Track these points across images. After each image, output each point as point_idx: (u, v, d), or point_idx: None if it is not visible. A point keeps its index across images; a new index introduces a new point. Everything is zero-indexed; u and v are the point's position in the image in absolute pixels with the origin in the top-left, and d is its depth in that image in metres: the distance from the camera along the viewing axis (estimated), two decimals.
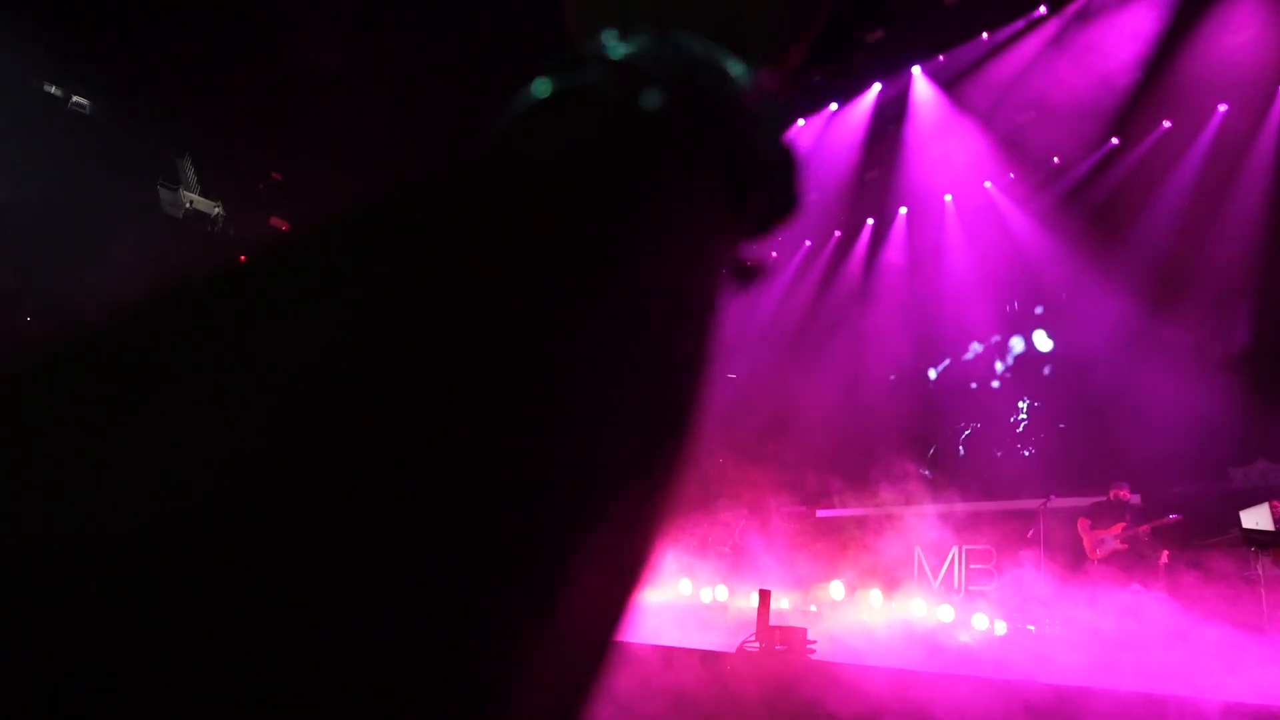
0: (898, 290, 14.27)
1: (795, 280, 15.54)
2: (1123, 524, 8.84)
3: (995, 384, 13.25)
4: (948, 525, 10.35)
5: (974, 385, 13.50)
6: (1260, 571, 7.45)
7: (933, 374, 13.96)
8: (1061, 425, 12.03)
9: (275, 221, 17.38)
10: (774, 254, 16.08)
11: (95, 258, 15.39)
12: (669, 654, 4.93)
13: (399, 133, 14.68)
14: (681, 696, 4.42)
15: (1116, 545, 8.79)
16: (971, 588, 10.41)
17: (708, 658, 4.80)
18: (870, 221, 14.98)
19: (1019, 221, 13.06)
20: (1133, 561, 8.61)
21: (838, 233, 15.37)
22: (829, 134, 14.23)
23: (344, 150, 15.35)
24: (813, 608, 9.51)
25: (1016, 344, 13.19)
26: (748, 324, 15.55)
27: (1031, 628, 8.60)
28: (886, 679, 3.94)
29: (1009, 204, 13.33)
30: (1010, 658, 6.16)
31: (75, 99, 17.58)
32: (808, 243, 15.67)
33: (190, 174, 19.11)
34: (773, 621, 5.87)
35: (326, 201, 16.72)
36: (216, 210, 18.76)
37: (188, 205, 18.98)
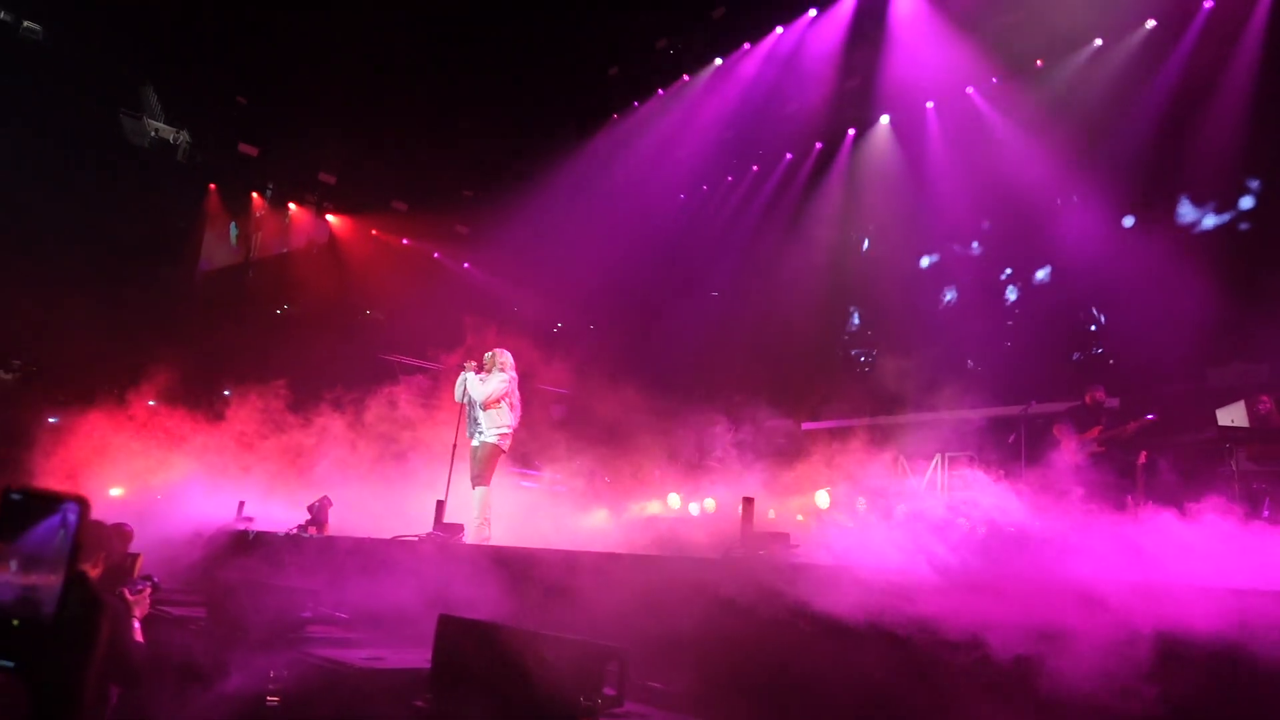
0: (880, 200, 14.14)
1: (777, 193, 15.37)
2: (1099, 426, 8.96)
3: (976, 291, 13.25)
4: (930, 434, 10.49)
5: (955, 293, 13.51)
6: (1235, 467, 7.61)
7: (913, 283, 13.94)
8: (1039, 331, 12.10)
9: (244, 148, 16.91)
10: (754, 167, 15.86)
11: (61, 191, 14.97)
12: (658, 563, 5.01)
13: (373, 50, 14.20)
14: (670, 603, 4.49)
15: (1094, 448, 8.92)
16: (954, 495, 10.59)
17: (695, 565, 4.88)
18: (851, 132, 14.74)
19: (1002, 128, 12.89)
20: (1111, 463, 8.74)
21: (819, 144, 15.15)
22: (807, 41, 13.88)
23: (311, 73, 14.86)
24: (799, 517, 9.68)
25: (997, 250, 13.16)
26: (729, 240, 15.45)
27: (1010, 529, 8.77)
28: (870, 578, 4.01)
29: (991, 110, 13.13)
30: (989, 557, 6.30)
31: (26, 24, 16.86)
32: (789, 155, 15.44)
33: (153, 101, 18.50)
34: (758, 529, 5.96)
35: (290, 125, 16.23)
36: (182, 138, 18.22)
37: (152, 134, 18.42)
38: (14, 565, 1.11)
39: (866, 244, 14.40)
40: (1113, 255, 11.25)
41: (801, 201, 14.96)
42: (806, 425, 12.84)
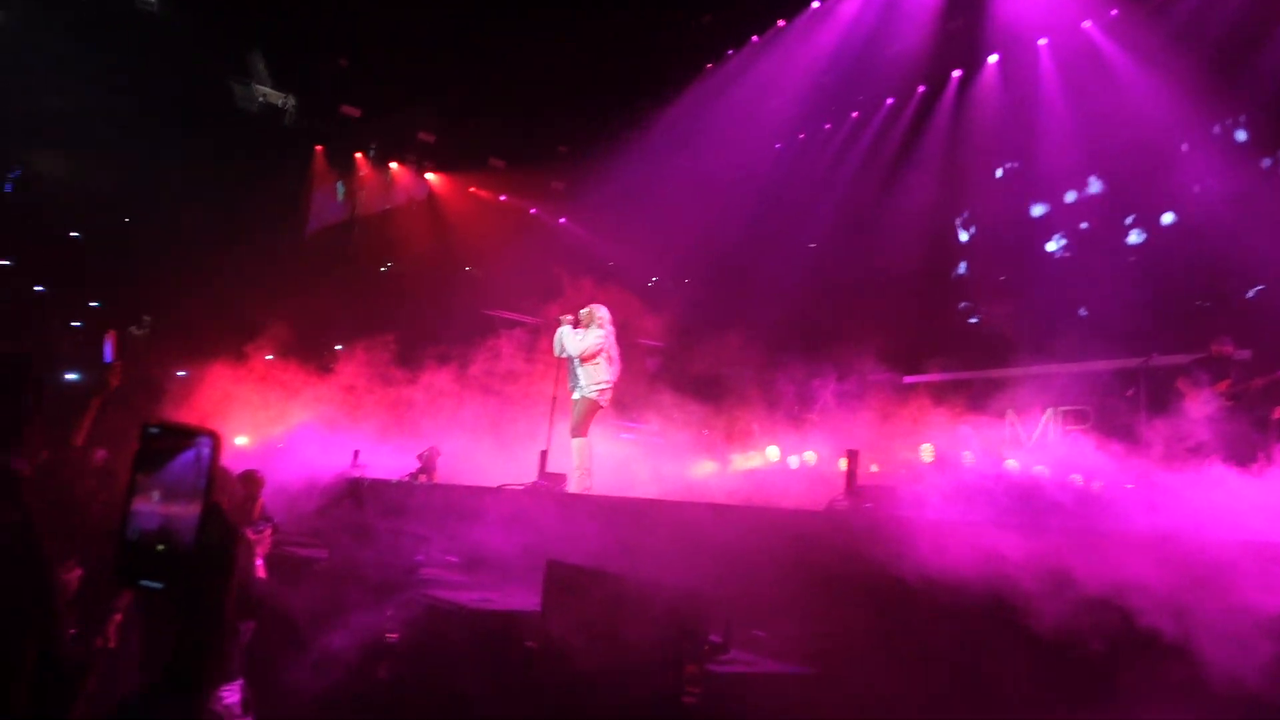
0: (988, 145, 13.52)
1: (877, 139, 14.86)
2: (1227, 380, 8.45)
3: (1093, 238, 12.58)
4: (1042, 387, 10.10)
5: (1068, 241, 12.87)
6: None
7: (1024, 231, 13.33)
8: (1162, 278, 11.44)
9: (346, 110, 17.34)
10: (854, 114, 15.37)
11: (179, 158, 15.67)
12: (758, 514, 5.01)
13: (469, 8, 14.29)
14: (774, 554, 4.49)
15: (1222, 402, 8.41)
16: (1066, 448, 10.21)
17: (796, 516, 4.85)
18: (957, 73, 14.10)
19: (1122, 64, 12.08)
20: (1240, 418, 8.24)
21: (921, 88, 14.55)
22: None
23: (409, 33, 15.06)
24: (902, 471, 9.50)
25: (1117, 195, 12.43)
26: (828, 190, 15.07)
27: (1130, 486, 8.41)
28: (976, 534, 3.91)
29: (1110, 45, 12.32)
30: (1109, 512, 6.06)
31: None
32: (890, 100, 14.88)
33: (261, 67, 19.10)
34: (863, 482, 5.89)
35: (391, 85, 16.53)
36: (288, 102, 18.79)
37: (260, 99, 19.04)
38: (156, 495, 1.18)
39: (973, 192, 13.83)
40: (1246, 198, 10.49)
41: (903, 148, 14.45)
42: (909, 378, 12.55)
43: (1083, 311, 11.81)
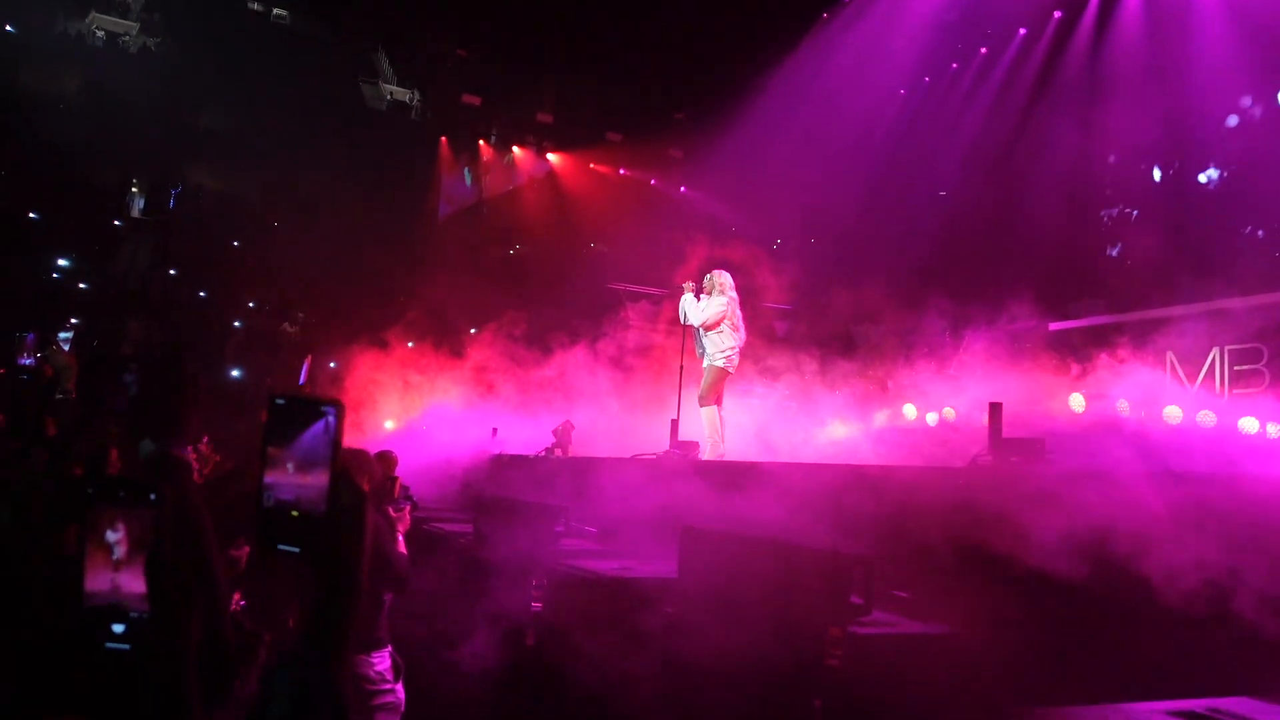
0: (1135, 71, 12.47)
1: (1010, 75, 13.98)
2: None
3: (1257, 159, 11.42)
4: (1206, 325, 9.32)
5: (1229, 167, 11.75)
6: None
7: (1177, 159, 12.27)
8: None
9: (467, 99, 17.82)
10: (983, 49, 14.55)
11: (317, 158, 16.54)
12: (896, 472, 4.86)
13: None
14: (911, 513, 4.36)
15: None
16: (1237, 391, 9.40)
17: (938, 474, 4.69)
18: None
19: None
20: None
21: (1057, 14, 13.56)
22: None
23: (521, 18, 15.27)
24: (1049, 424, 8.99)
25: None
26: (957, 134, 14.34)
27: None
28: (1137, 486, 3.66)
29: None
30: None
31: (276, 12, 18.58)
32: (1022, 31, 13.95)
33: (386, 66, 19.88)
34: (1007, 437, 5.61)
35: (507, 71, 16.82)
36: (414, 97, 19.48)
37: (388, 97, 19.84)
38: (291, 467, 1.23)
39: (1119, 124, 12.81)
40: None
41: (1039, 82, 13.53)
42: (1055, 325, 11.84)
43: (1259, 233, 10.71)
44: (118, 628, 1.30)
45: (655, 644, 4.44)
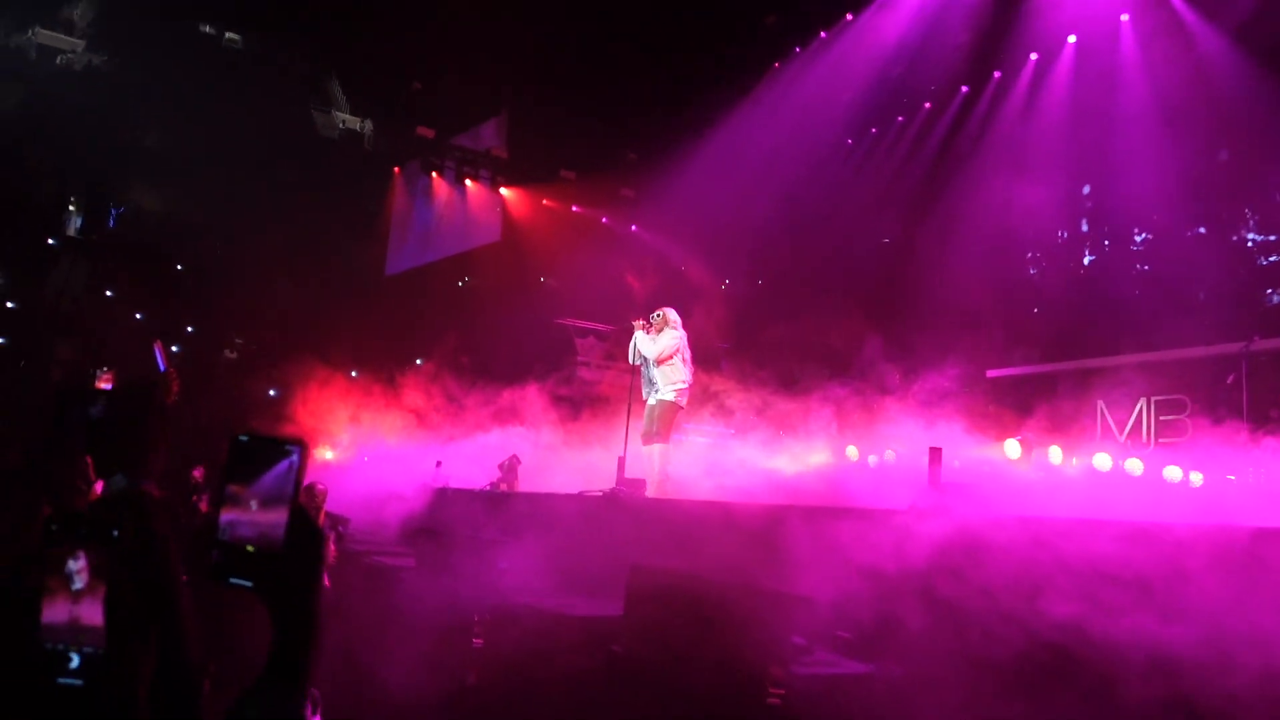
0: (1070, 130, 13.02)
1: (951, 130, 14.48)
2: None
3: (1186, 222, 11.98)
4: (1134, 376, 9.71)
5: (1152, 230, 12.26)
6: None
7: (1107, 219, 12.82)
8: (1267, 260, 10.86)
9: (421, 131, 17.81)
10: (927, 104, 15.06)
11: (266, 184, 16.33)
12: (839, 514, 4.95)
13: (532, 25, 14.53)
14: (850, 555, 4.43)
15: None
16: (1162, 440, 9.79)
17: (876, 516, 4.78)
18: (1034, 57, 13.66)
19: (1210, 41, 11.47)
20: None
21: (997, 74, 14.15)
22: None
23: (477, 53, 15.39)
24: (985, 469, 9.25)
25: (1215, 181, 11.73)
26: (900, 184, 14.77)
27: (1232, 478, 8.02)
28: (1068, 530, 3.80)
29: (1196, 20, 11.73)
30: (1208, 507, 5.80)
31: (228, 35, 18.42)
32: (964, 89, 14.52)
33: (339, 94, 19.80)
34: (945, 481, 5.76)
35: (465, 107, 16.88)
36: (366, 126, 19.41)
37: (340, 125, 19.74)
38: (247, 501, 1.24)
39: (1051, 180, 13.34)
40: None
41: (979, 136, 14.05)
42: (992, 372, 12.21)
43: (1201, 296, 11.12)
44: (74, 662, 1.29)
45: (599, 681, 4.42)
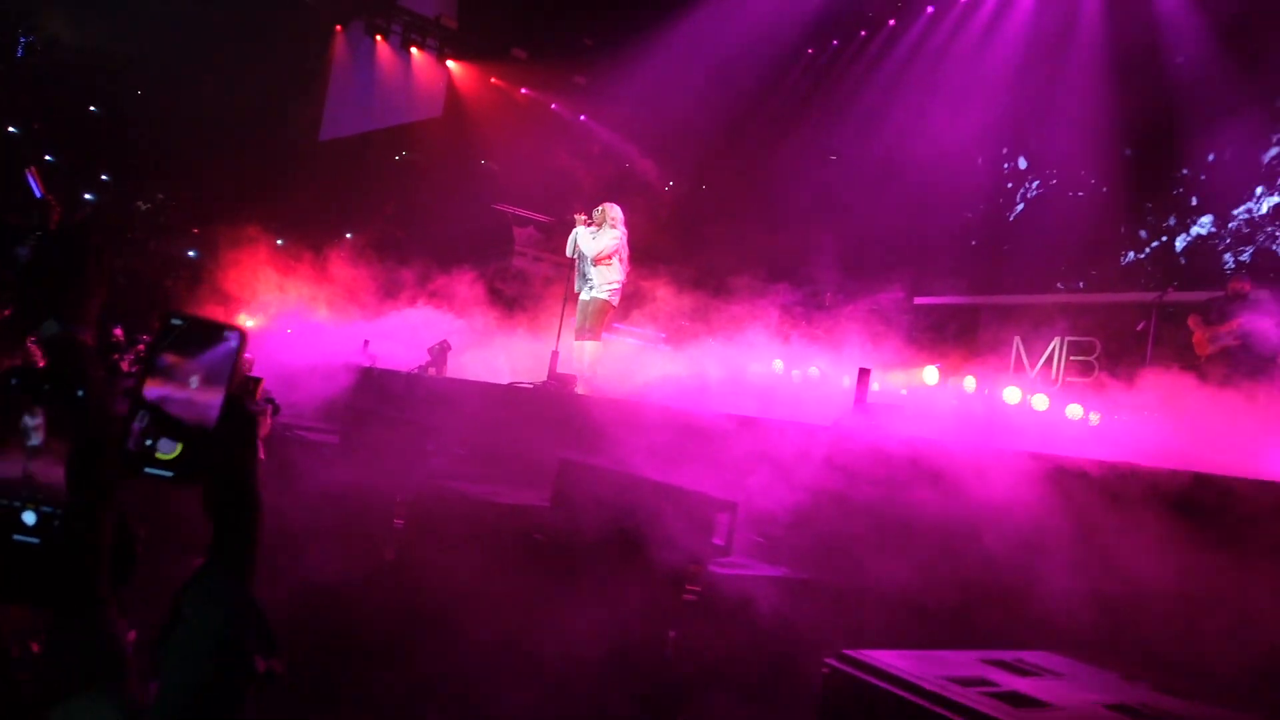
0: (1010, 66, 12.97)
1: (912, 51, 14.31)
2: (1239, 319, 8.39)
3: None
4: (1051, 316, 10.08)
5: (1088, 175, 12.52)
6: None
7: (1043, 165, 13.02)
8: (1193, 220, 11.25)
9: None
10: (891, 21, 14.83)
11: (201, 35, 15.25)
12: (765, 425, 5.08)
13: None
14: (777, 463, 4.58)
15: (1229, 342, 8.37)
16: (1070, 379, 10.26)
17: (802, 429, 4.93)
18: None
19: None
20: (1245, 359, 8.21)
21: (930, 9, 13.95)
22: None
23: None
24: (903, 391, 9.58)
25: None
26: (856, 100, 14.65)
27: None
28: (973, 456, 3.98)
29: None
30: (1102, 444, 6.14)
31: None
32: (930, 9, 14.31)
33: None
34: (871, 399, 5.94)
35: None
36: None
37: None
38: (174, 385, 1.19)
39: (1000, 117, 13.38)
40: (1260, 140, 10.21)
41: (936, 60, 13.94)
42: (919, 300, 12.51)
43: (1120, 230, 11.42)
44: (28, 518, 1.25)
45: (517, 567, 4.53)
